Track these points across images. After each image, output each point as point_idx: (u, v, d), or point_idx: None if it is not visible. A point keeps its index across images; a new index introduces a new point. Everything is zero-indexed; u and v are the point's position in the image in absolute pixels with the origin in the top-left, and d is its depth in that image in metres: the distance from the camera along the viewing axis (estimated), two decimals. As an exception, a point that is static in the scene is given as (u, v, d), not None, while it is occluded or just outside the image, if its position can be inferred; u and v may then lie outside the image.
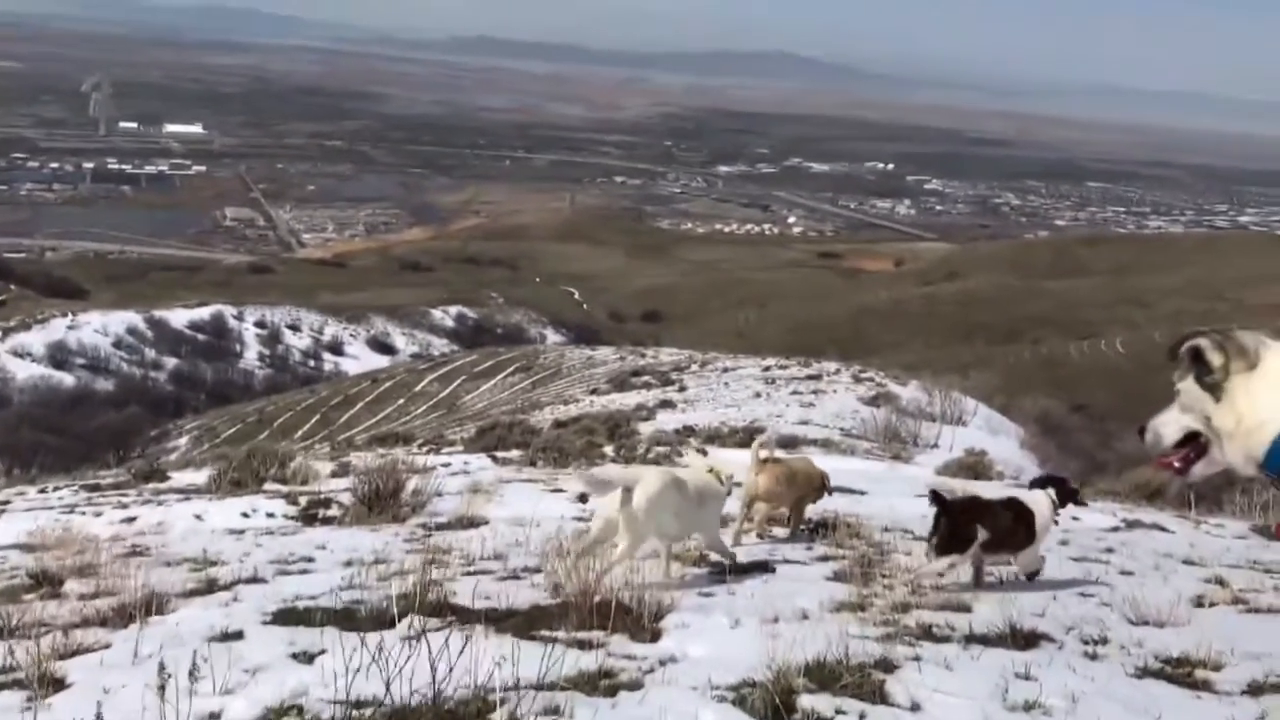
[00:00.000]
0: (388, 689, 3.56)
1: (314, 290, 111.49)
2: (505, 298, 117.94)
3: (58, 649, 4.22)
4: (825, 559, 6.56)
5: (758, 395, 23.87)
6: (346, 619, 4.70)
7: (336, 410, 51.43)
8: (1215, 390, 2.83)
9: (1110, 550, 7.27)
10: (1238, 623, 5.20)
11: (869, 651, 4.22)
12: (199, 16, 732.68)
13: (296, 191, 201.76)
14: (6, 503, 11.01)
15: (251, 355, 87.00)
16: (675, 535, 5.89)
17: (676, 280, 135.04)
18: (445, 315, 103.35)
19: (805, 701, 3.64)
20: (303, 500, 9.90)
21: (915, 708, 3.68)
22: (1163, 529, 8.83)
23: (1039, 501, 5.76)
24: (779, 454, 7.59)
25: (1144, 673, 4.20)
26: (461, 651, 3.71)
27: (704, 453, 13.48)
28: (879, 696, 3.74)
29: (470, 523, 8.17)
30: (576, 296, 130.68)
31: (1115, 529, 8.59)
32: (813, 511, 7.66)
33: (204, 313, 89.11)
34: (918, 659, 4.23)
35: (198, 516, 9.33)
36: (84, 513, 9.72)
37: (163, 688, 3.32)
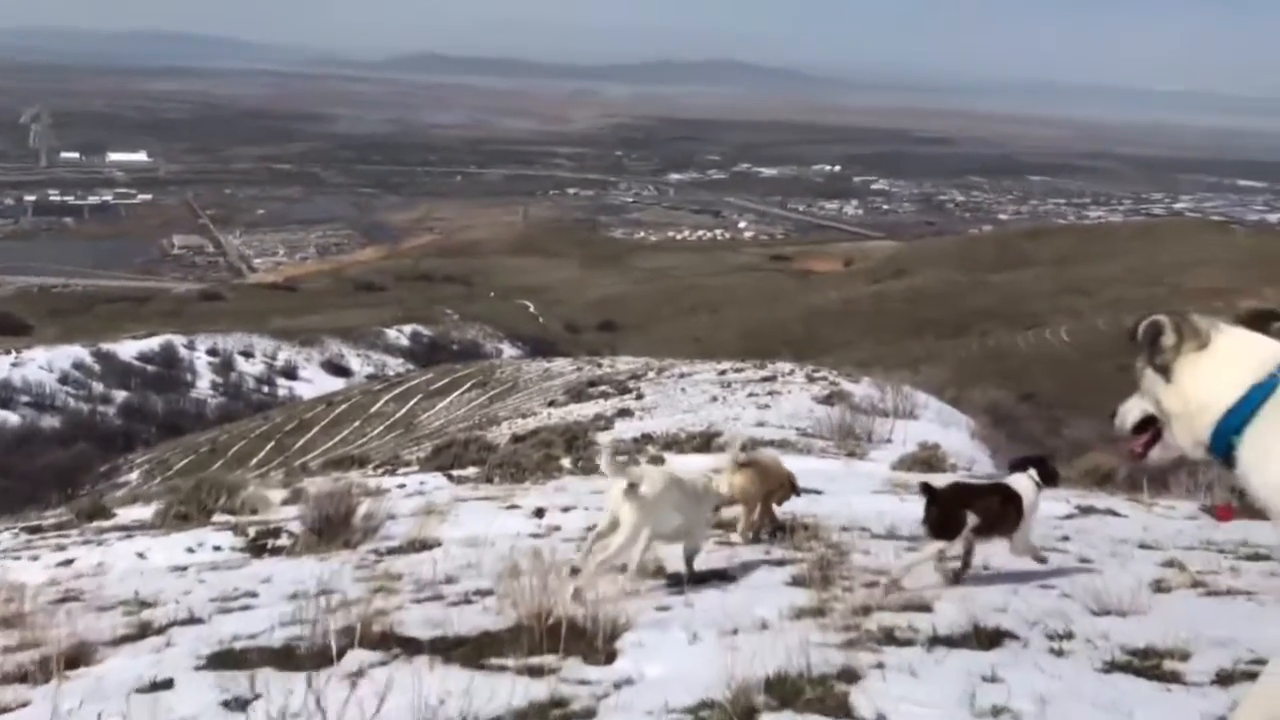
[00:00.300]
0: (324, 734, 3.36)
1: (266, 315, 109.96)
2: (460, 314, 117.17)
3: (-30, 711, 3.96)
4: (783, 563, 6.43)
5: (714, 399, 23.81)
6: (286, 658, 4.49)
7: (292, 436, 50.62)
8: (1165, 372, 2.79)
9: (1067, 538, 7.22)
10: (1199, 607, 5.15)
11: (831, 661, 4.11)
12: (140, 43, 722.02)
13: (246, 216, 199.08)
14: (-61, 551, 10.56)
15: (204, 384, 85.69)
16: (671, 533, 5.88)
17: (631, 289, 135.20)
18: (400, 334, 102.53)
19: (767, 720, 3.51)
20: (251, 531, 9.60)
21: (880, 720, 3.56)
22: (1115, 514, 8.82)
23: (1022, 484, 5.74)
24: (757, 454, 7.63)
25: (1112, 667, 4.11)
26: (404, 687, 3.53)
27: (661, 460, 13.32)
28: (843, 710, 3.61)
29: (423, 545, 7.94)
30: (532, 309, 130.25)
31: (1070, 516, 8.57)
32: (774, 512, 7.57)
33: (153, 343, 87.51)
34: (881, 666, 4.11)
35: (140, 555, 9.00)
36: (18, 557, 9.33)
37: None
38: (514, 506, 9.94)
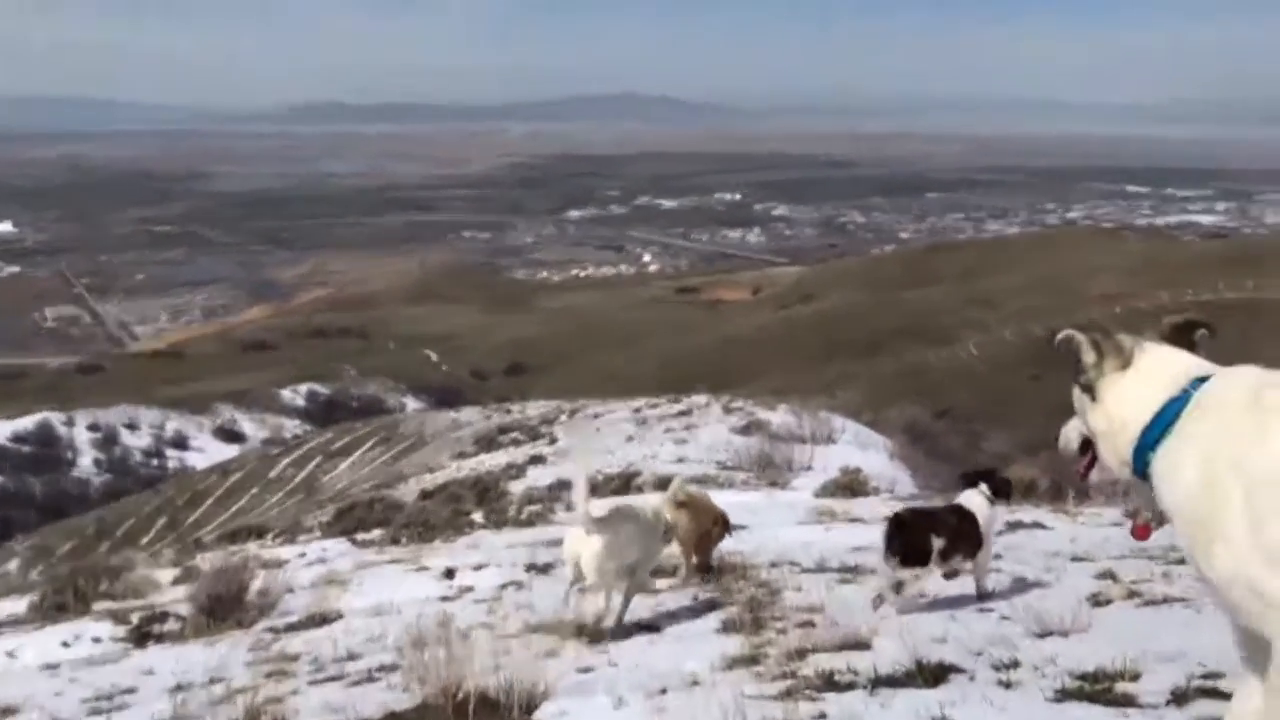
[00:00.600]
0: None
1: (151, 384, 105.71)
2: (358, 368, 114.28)
3: None
4: (713, 607, 6.11)
5: (630, 439, 23.42)
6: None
7: (185, 509, 48.29)
8: (1090, 391, 2.79)
9: (999, 555, 7.06)
10: (1139, 619, 5.02)
11: (769, 716, 3.80)
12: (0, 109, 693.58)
13: (125, 282, 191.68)
14: None
15: (86, 462, 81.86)
16: (630, 565, 5.69)
17: (538, 330, 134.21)
18: (295, 394, 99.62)
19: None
20: (134, 618, 8.85)
21: (828, 782, 3.23)
22: (1043, 526, 8.78)
23: (974, 501, 5.63)
24: (691, 490, 7.45)
25: (1064, 695, 3.89)
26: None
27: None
28: (787, 775, 3.27)
29: (323, 619, 7.40)
30: (435, 358, 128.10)
31: (999, 532, 8.44)
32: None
33: (27, 423, 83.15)
34: (823, 716, 3.80)
35: (10, 654, 8.21)
36: None
37: None
38: (423, 568, 9.41)
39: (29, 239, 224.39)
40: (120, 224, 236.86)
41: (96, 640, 8.27)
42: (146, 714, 5.04)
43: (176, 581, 11.11)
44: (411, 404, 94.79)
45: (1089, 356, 2.78)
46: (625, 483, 14.76)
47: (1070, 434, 2.92)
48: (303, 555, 11.64)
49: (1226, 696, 3.11)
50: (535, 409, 42.31)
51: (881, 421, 25.44)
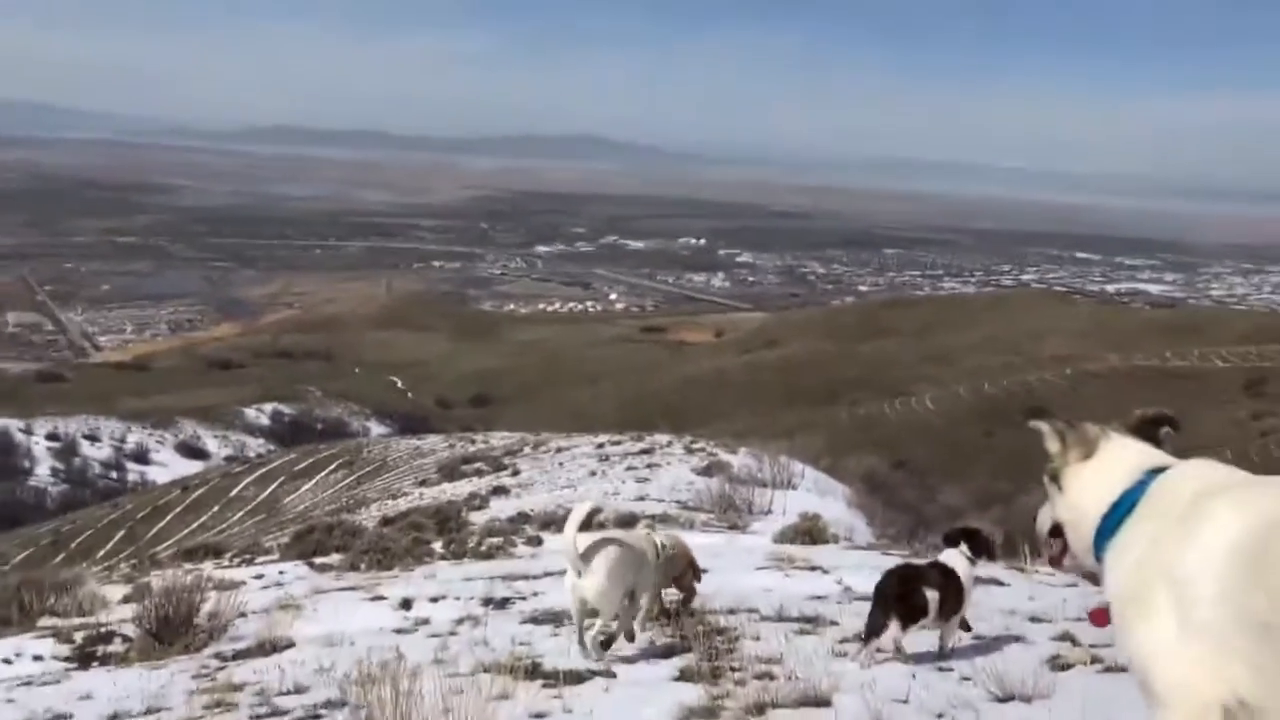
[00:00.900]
0: None
1: (113, 396, 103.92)
2: (323, 391, 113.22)
3: None
4: (669, 654, 6.03)
5: (593, 474, 23.34)
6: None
7: (144, 524, 47.28)
8: (1056, 480, 2.84)
9: (957, 612, 7.06)
10: (1100, 687, 5.00)
11: (728, 773, 3.72)
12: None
13: (89, 292, 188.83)
14: None
15: (43, 471, 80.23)
16: (629, 589, 5.88)
17: (504, 362, 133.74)
18: (260, 413, 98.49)
19: None
20: (78, 637, 8.58)
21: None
22: (999, 583, 8.74)
23: (955, 560, 5.60)
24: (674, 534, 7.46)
25: (1026, 762, 3.85)
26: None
27: (539, 541, 12.78)
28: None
29: (273, 647, 7.20)
30: (400, 385, 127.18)
31: (958, 589, 8.46)
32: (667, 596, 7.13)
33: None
34: (783, 774, 3.74)
35: (-55, 670, 7.90)
36: None
37: None
38: (379, 598, 9.23)
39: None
40: (83, 232, 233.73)
41: (38, 658, 7.99)
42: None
43: (126, 599, 10.79)
44: (376, 429, 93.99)
45: (1053, 446, 2.83)
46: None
47: (1043, 519, 2.96)
48: (259, 577, 11.39)
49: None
50: (499, 440, 42.05)
51: (839, 469, 25.51)
